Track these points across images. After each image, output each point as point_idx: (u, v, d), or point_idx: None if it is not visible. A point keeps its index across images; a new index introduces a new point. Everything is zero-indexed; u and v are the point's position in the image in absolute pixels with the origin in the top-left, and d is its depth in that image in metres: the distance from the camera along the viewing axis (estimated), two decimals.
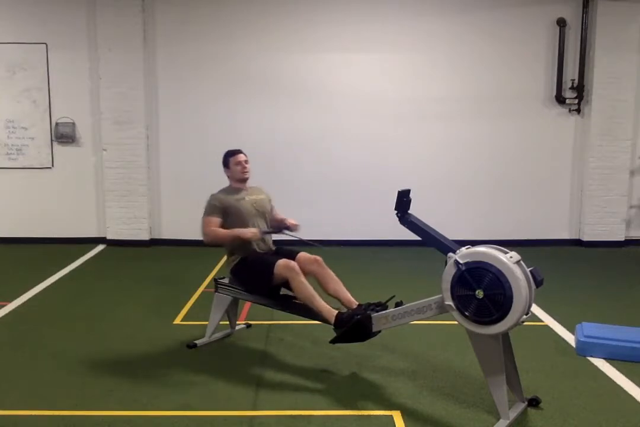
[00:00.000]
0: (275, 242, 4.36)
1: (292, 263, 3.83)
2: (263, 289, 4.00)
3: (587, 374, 3.82)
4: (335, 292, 3.89)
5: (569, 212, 7.95)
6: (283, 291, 4.08)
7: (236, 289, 4.19)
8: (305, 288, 3.75)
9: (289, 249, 4.20)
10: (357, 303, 3.75)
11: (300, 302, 3.94)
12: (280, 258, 3.89)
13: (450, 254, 3.14)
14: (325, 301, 3.77)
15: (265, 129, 7.65)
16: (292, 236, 4.25)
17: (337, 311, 3.67)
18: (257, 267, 3.97)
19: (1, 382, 3.69)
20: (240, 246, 4.09)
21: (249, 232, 3.99)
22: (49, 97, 7.68)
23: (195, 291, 5.67)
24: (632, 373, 3.80)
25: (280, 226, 4.26)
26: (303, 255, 4.04)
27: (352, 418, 3.23)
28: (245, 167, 4.25)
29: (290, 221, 4.27)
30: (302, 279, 3.78)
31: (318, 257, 4.02)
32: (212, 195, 4.17)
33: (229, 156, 4.28)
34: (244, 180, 4.28)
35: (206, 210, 4.11)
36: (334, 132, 7.70)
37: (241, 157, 4.27)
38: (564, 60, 7.60)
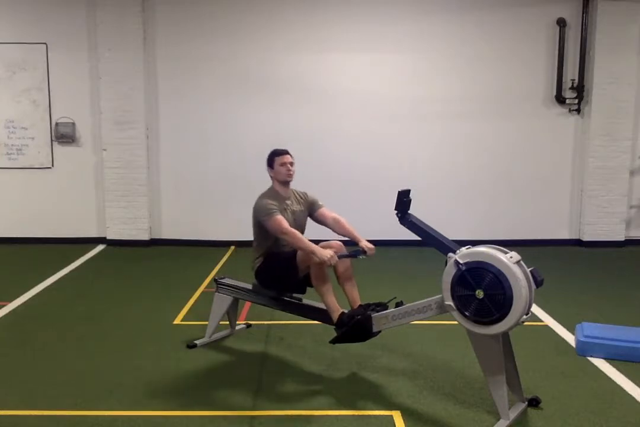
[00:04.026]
0: None
1: None
2: (291, 280, 3.86)
3: (587, 374, 3.82)
4: (344, 284, 3.84)
5: (569, 212, 7.96)
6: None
7: (236, 289, 4.20)
8: (324, 277, 3.67)
9: None
10: (359, 303, 3.75)
11: (299, 302, 3.95)
12: None
13: (450, 254, 3.14)
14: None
15: (265, 129, 7.64)
16: (368, 258, 3.91)
17: (342, 311, 3.67)
18: (280, 260, 3.90)
19: (1, 382, 3.70)
20: (273, 246, 3.98)
21: (327, 254, 3.58)
22: (49, 97, 7.68)
23: (195, 291, 5.67)
24: (632, 373, 3.80)
25: (357, 250, 3.85)
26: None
27: (352, 418, 3.23)
28: (290, 170, 3.99)
29: (367, 244, 3.88)
30: (324, 267, 3.66)
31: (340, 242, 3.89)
32: (263, 200, 3.90)
33: (275, 156, 4.03)
34: (287, 182, 4.06)
35: (267, 211, 3.81)
36: (334, 132, 7.69)
37: (287, 158, 4.01)
38: (564, 60, 7.60)
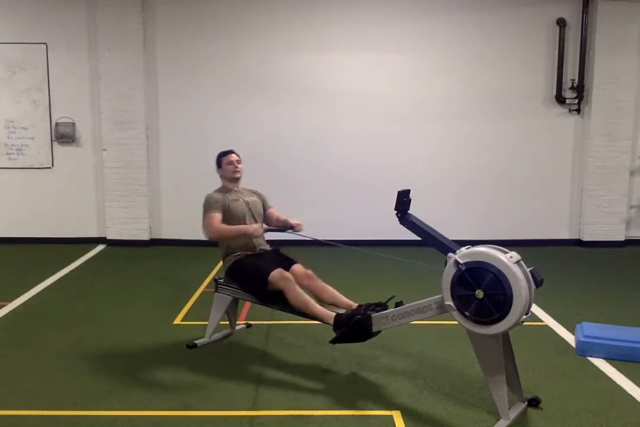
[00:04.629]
0: (274, 242, 4.37)
1: (287, 274, 3.85)
2: (257, 294, 4.03)
3: (587, 374, 3.82)
4: (332, 299, 3.91)
5: (569, 212, 7.96)
6: None
7: (236, 289, 4.19)
8: (300, 296, 3.78)
9: (284, 255, 4.23)
10: (357, 304, 3.75)
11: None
12: (275, 267, 3.90)
13: (450, 254, 3.14)
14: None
15: (265, 129, 7.65)
16: (297, 235, 4.23)
17: (335, 313, 3.67)
18: (252, 273, 3.98)
19: (1, 382, 3.69)
20: (237, 244, 4.10)
21: (252, 228, 3.99)
22: (49, 97, 7.68)
23: (195, 291, 5.67)
24: (632, 373, 3.80)
25: (285, 225, 4.26)
26: (296, 269, 4.06)
27: (352, 418, 3.23)
28: (237, 167, 4.28)
29: (294, 220, 4.26)
30: (297, 288, 3.81)
31: (309, 272, 4.06)
32: (209, 195, 4.19)
33: (221, 156, 4.32)
34: (236, 179, 4.31)
35: (206, 208, 4.11)
36: (334, 132, 7.69)
37: (233, 157, 4.30)
38: (564, 60, 7.61)
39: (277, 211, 4.44)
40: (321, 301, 3.93)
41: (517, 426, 3.17)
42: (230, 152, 4.34)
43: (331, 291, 3.96)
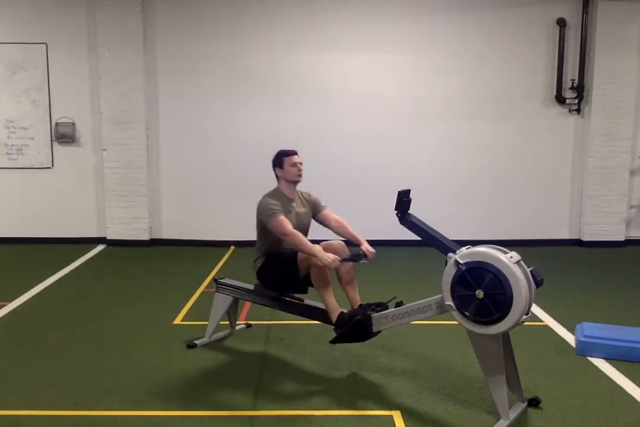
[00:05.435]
0: None
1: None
2: (291, 280, 3.87)
3: (587, 374, 3.82)
4: (345, 285, 3.84)
5: (569, 212, 7.96)
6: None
7: (236, 289, 4.20)
8: (324, 276, 3.66)
9: None
10: (359, 303, 3.75)
11: (299, 302, 3.96)
12: None
13: (451, 254, 3.14)
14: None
15: (265, 129, 7.64)
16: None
17: (341, 311, 3.67)
18: (281, 260, 3.89)
19: (1, 382, 3.69)
20: (275, 246, 3.97)
21: (329, 258, 3.60)
22: (49, 97, 7.68)
23: (195, 291, 5.67)
24: (632, 373, 3.80)
25: (358, 254, 3.84)
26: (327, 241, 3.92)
27: (352, 418, 3.23)
28: (300, 169, 4.00)
29: (368, 247, 3.86)
30: (324, 268, 3.65)
31: (341, 242, 3.90)
32: (266, 198, 3.93)
33: (284, 156, 4.02)
34: (297, 182, 4.07)
35: (270, 211, 3.81)
36: (334, 132, 7.70)
37: (296, 158, 4.01)
38: (564, 60, 7.61)
39: (350, 225, 4.07)
40: (338, 278, 3.84)
41: (517, 426, 3.17)
42: (294, 153, 4.04)
43: (351, 277, 3.84)
